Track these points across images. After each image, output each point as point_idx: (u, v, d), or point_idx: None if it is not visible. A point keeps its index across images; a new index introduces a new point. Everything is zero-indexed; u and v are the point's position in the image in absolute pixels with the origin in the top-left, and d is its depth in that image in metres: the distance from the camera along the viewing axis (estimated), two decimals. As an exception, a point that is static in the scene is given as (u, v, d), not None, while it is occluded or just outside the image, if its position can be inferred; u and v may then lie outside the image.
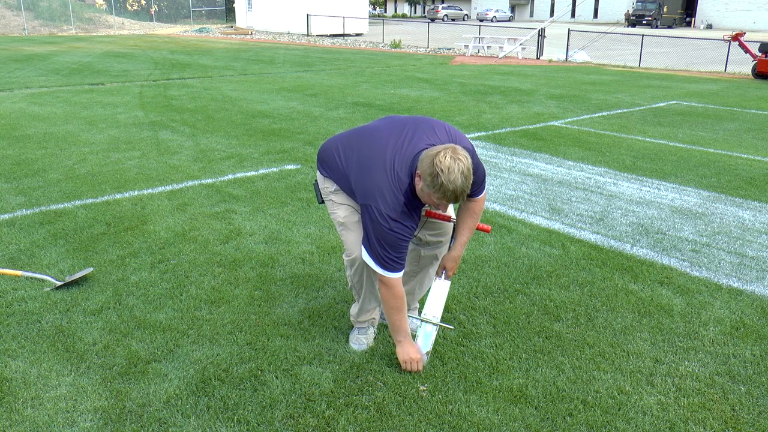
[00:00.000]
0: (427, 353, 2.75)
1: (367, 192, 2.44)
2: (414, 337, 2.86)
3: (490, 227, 3.01)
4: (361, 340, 2.90)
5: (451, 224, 2.86)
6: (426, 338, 2.77)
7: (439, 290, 2.86)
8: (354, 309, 2.96)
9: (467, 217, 2.74)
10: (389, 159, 2.44)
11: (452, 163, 2.23)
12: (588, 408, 2.50)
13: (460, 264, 3.83)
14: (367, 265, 2.70)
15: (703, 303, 3.42)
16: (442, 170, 2.22)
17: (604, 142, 7.50)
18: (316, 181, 2.88)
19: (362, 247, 2.56)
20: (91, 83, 12.30)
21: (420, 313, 2.96)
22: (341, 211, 2.74)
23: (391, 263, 2.49)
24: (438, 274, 2.89)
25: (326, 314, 3.20)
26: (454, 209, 2.87)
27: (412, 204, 2.45)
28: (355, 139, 2.64)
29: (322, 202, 2.84)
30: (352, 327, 3.01)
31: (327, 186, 2.79)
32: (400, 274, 2.54)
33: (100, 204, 4.86)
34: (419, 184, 2.35)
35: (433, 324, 2.79)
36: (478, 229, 2.98)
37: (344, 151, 2.65)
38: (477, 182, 2.58)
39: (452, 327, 2.93)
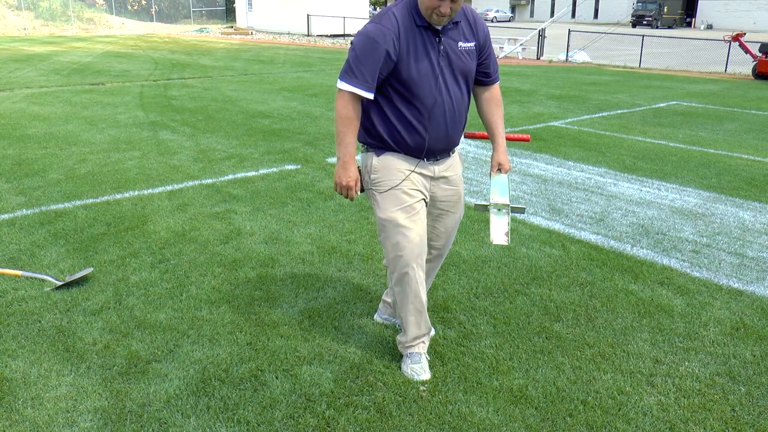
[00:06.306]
0: (506, 233, 2.62)
1: None
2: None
3: (529, 136, 2.98)
4: (417, 371, 2.68)
5: (448, 238, 2.83)
6: (499, 221, 2.66)
7: (500, 180, 2.72)
8: (401, 336, 2.74)
9: (493, 106, 2.71)
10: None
11: None
12: (588, 408, 2.50)
13: (460, 264, 3.83)
14: (408, 278, 2.56)
15: (704, 303, 3.42)
16: None
17: (605, 143, 7.50)
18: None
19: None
20: (92, 83, 12.30)
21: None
22: (388, 204, 2.55)
23: (348, 72, 2.41)
24: (493, 172, 2.73)
25: (326, 314, 3.20)
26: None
27: (401, 16, 2.41)
28: None
29: (362, 190, 2.65)
30: (401, 356, 2.78)
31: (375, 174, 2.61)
32: (352, 89, 2.41)
33: (101, 204, 4.86)
34: None
35: (505, 206, 2.67)
36: (517, 139, 2.94)
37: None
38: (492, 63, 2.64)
39: (524, 207, 2.76)
